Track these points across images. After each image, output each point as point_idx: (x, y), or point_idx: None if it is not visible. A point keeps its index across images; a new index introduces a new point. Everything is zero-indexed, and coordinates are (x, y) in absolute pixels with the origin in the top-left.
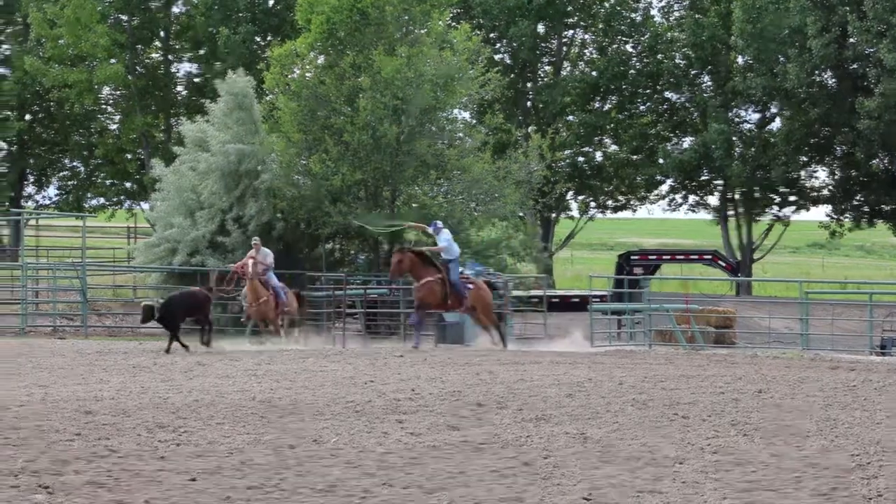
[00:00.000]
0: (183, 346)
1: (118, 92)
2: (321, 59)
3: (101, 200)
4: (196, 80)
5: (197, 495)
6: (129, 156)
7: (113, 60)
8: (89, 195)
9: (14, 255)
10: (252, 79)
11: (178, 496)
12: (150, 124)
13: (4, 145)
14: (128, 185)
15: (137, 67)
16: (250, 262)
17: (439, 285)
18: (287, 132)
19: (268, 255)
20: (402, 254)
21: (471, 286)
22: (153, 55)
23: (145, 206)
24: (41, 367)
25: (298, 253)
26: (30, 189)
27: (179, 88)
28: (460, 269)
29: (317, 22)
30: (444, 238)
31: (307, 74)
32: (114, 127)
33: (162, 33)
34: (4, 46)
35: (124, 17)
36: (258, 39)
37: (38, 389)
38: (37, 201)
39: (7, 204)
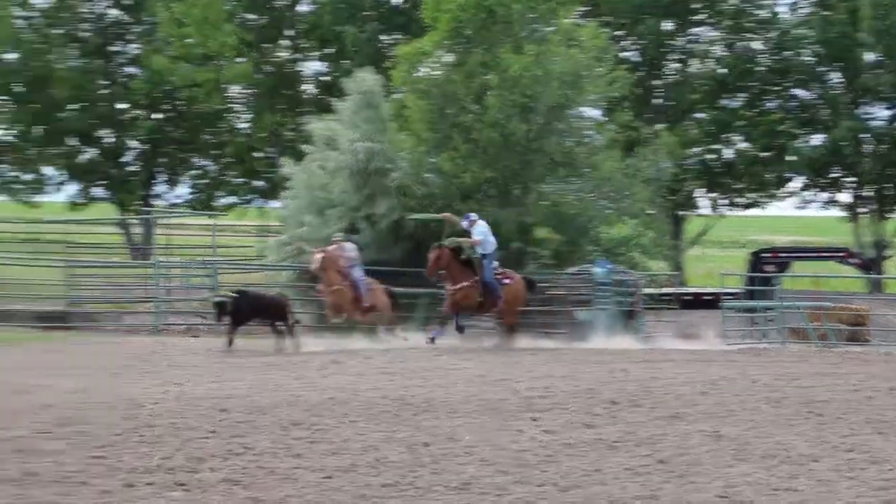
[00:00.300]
0: (230, 342)
1: (247, 91)
2: (449, 57)
3: (232, 199)
4: (324, 78)
5: (332, 493)
6: (258, 154)
7: (241, 59)
8: (220, 194)
9: (146, 254)
10: (380, 77)
11: (313, 494)
12: (279, 123)
13: (136, 144)
14: (258, 183)
15: (265, 66)
16: (319, 255)
17: (475, 290)
18: (416, 130)
19: (350, 249)
20: (440, 250)
21: (507, 281)
22: (280, 54)
23: (276, 204)
24: (176, 366)
25: (429, 251)
26: (160, 188)
27: (307, 87)
28: (494, 264)
29: (443, 20)
30: (480, 231)
31: (435, 72)
32: (243, 125)
33: (289, 32)
34: (133, 46)
35: (251, 16)
36: (385, 38)
37: (173, 387)
38: (167, 200)
39: (139, 203)
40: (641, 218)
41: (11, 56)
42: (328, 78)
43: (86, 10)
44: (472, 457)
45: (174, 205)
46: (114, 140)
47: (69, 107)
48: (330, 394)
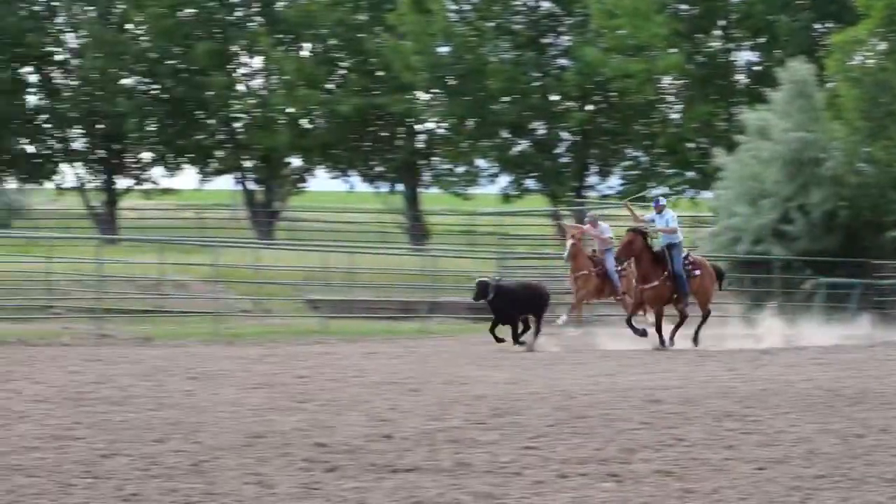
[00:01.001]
0: (497, 340)
1: (678, 81)
2: (883, 45)
3: (664, 190)
4: (756, 68)
5: (765, 484)
6: (690, 145)
7: (672, 50)
8: (651, 185)
9: None
10: (813, 66)
11: (746, 485)
12: (711, 113)
13: (567, 136)
14: (689, 174)
15: (697, 56)
16: (570, 242)
17: (667, 288)
18: (849, 119)
19: (606, 230)
20: (635, 235)
21: (697, 272)
22: (713, 44)
23: (708, 194)
24: (607, 357)
25: (863, 241)
26: (592, 179)
27: (739, 77)
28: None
29: (878, 7)
30: (668, 219)
31: (869, 61)
32: (674, 116)
33: (721, 22)
34: (565, 38)
35: (683, 7)
36: (817, 26)
37: (605, 378)
38: (599, 192)
39: (570, 195)
40: None
41: (445, 49)
42: (760, 68)
43: (519, 3)
44: None
45: (605, 196)
46: (546, 132)
47: (502, 99)
48: (762, 385)
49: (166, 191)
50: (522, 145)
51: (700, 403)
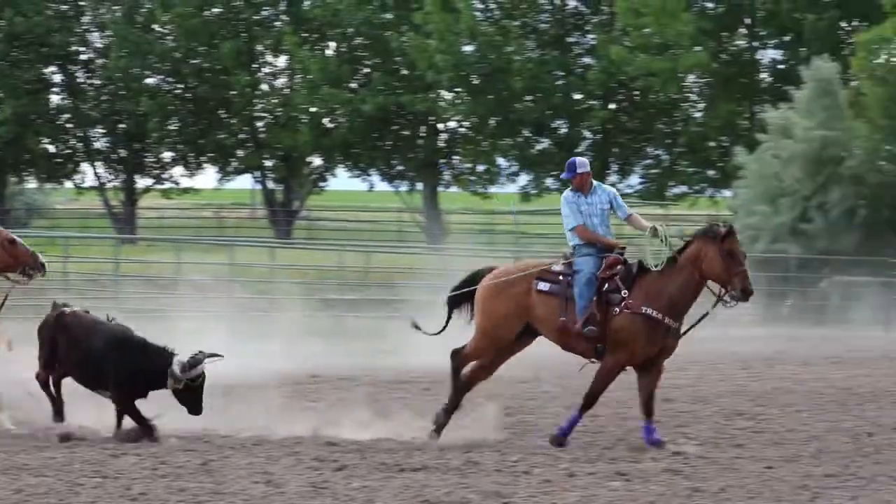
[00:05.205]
0: None
1: (702, 80)
2: None
3: (683, 189)
4: (780, 66)
5: (773, 483)
6: (711, 144)
7: (697, 48)
8: (671, 183)
9: None
10: (837, 64)
11: (754, 483)
12: (734, 112)
13: (589, 135)
14: (710, 172)
15: (721, 55)
16: None
17: None
18: (872, 118)
19: None
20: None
21: None
22: (738, 42)
23: (727, 193)
24: None
25: (881, 240)
26: (613, 178)
27: (763, 75)
28: None
29: None
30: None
31: (894, 59)
32: (697, 115)
33: (747, 20)
34: (590, 36)
35: (709, 5)
36: (844, 24)
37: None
38: (620, 190)
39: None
40: None
41: (469, 48)
42: (784, 66)
43: (545, 2)
44: None
45: (625, 195)
46: (567, 130)
47: (525, 98)
48: (774, 383)
49: (186, 190)
50: (543, 144)
51: (712, 402)
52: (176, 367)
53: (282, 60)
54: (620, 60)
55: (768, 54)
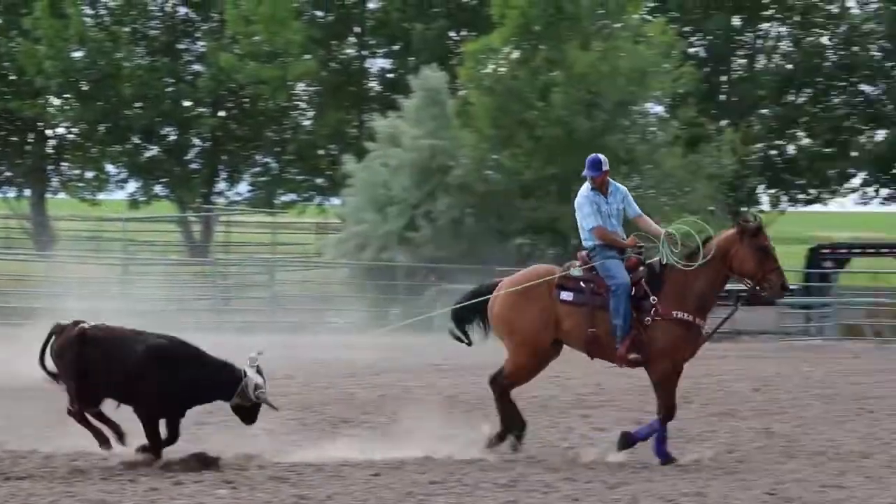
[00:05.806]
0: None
1: (312, 88)
2: (516, 54)
3: (292, 196)
4: (389, 75)
5: (379, 490)
6: (321, 152)
7: (307, 56)
8: (280, 191)
9: (205, 252)
10: (445, 74)
11: (360, 491)
12: (343, 120)
13: (198, 142)
14: (319, 180)
15: (331, 63)
16: None
17: None
18: (479, 127)
19: None
20: None
21: None
22: (348, 50)
23: (336, 201)
24: None
25: (488, 248)
26: (221, 185)
27: (373, 84)
28: None
29: (512, 16)
30: None
31: (501, 69)
32: (306, 123)
33: (357, 29)
34: (200, 43)
35: (319, 13)
36: (452, 34)
37: None
38: (228, 198)
39: (199, 201)
40: (702, 215)
41: (79, 54)
42: (393, 75)
43: (155, 8)
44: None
45: (234, 202)
46: (176, 138)
47: (134, 105)
48: (381, 391)
49: None
50: (153, 151)
51: (319, 410)
52: (251, 382)
53: None
54: (230, 68)
55: (377, 63)
